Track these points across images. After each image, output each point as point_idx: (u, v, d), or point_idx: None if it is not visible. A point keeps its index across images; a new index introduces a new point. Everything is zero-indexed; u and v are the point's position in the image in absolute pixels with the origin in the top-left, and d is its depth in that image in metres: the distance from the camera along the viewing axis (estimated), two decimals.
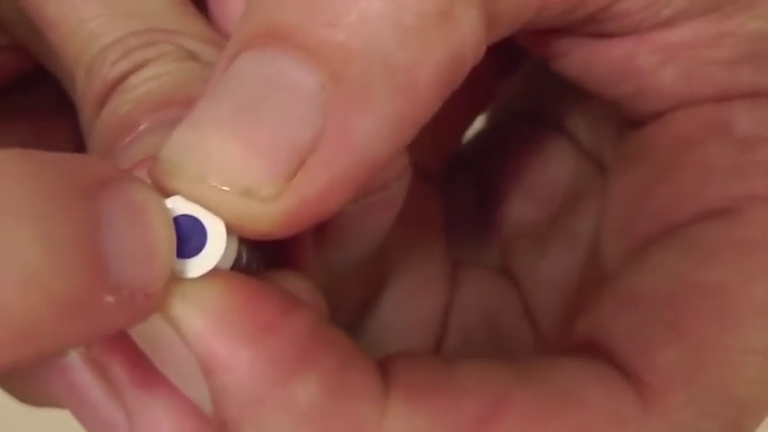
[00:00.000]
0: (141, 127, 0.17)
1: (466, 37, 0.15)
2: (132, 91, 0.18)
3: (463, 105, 0.22)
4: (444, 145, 0.24)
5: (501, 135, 0.25)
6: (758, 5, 0.17)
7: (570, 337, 0.18)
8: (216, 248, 0.15)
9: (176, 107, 0.17)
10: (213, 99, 0.15)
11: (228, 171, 0.14)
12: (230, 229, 0.15)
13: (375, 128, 0.15)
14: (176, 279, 0.15)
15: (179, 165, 0.15)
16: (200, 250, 0.15)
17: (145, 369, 0.16)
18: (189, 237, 0.15)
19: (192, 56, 0.18)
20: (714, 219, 0.17)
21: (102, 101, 0.18)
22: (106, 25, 0.19)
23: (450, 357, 0.17)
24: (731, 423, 0.16)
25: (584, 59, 0.19)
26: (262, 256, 0.16)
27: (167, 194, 0.15)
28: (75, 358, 0.17)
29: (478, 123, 0.25)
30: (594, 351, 0.17)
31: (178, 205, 0.15)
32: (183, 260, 0.15)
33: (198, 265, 0.15)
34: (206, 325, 0.14)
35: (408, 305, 0.22)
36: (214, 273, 0.15)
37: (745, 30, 0.18)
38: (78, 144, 0.25)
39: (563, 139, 0.23)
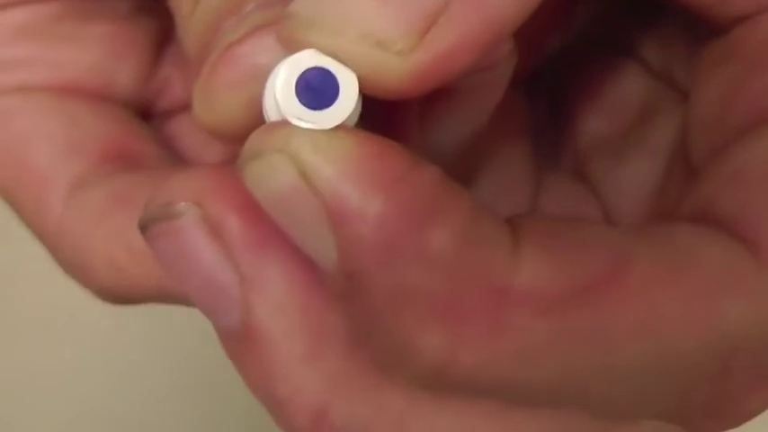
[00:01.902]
0: (248, 7, 0.17)
1: None
2: None
3: (547, 14, 0.22)
4: (530, 53, 0.24)
5: (572, 59, 0.25)
6: None
7: (678, 213, 0.18)
8: (348, 101, 0.15)
9: None
10: None
11: (364, 24, 0.15)
12: (360, 86, 0.15)
13: None
14: (307, 130, 0.15)
15: (314, 18, 0.15)
16: (332, 103, 0.15)
17: (259, 228, 0.17)
18: (321, 89, 0.15)
19: None
20: None
21: None
22: None
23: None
24: None
25: None
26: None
27: (298, 49, 0.15)
28: (188, 219, 0.17)
29: None
30: (705, 221, 0.17)
31: (312, 58, 0.15)
32: (315, 111, 0.15)
33: (330, 117, 0.15)
34: (338, 172, 0.15)
35: (496, 204, 0.22)
36: (344, 126, 0.15)
37: None
38: (156, 45, 0.25)
39: (633, 62, 0.23)
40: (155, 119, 0.25)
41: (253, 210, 0.16)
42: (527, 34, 0.20)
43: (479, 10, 0.15)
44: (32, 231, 0.23)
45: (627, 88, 0.23)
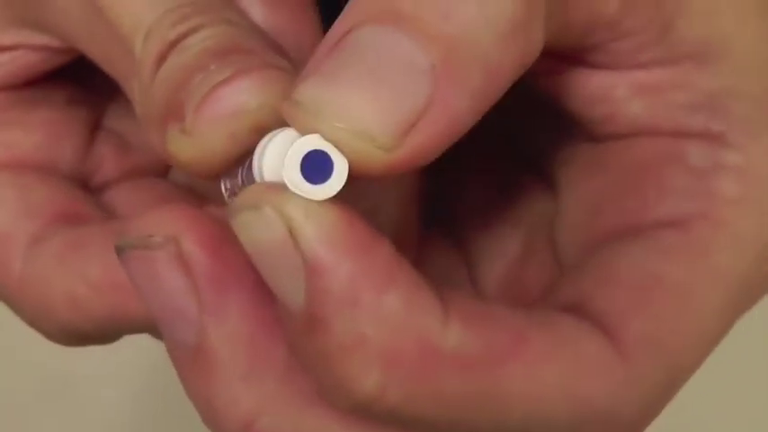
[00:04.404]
0: (211, 68, 0.21)
1: (536, 43, 0.19)
2: (191, 48, 0.21)
3: None
4: None
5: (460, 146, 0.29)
6: (712, 64, 0.21)
7: (554, 301, 0.22)
8: (339, 182, 0.18)
9: (240, 55, 0.21)
10: (344, 61, 0.18)
11: (361, 122, 0.18)
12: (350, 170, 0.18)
13: (467, 103, 0.18)
14: (302, 198, 0.18)
15: (320, 108, 0.18)
16: (326, 180, 0.18)
17: (225, 268, 0.20)
18: (319, 168, 0.18)
19: (232, 22, 0.22)
20: (670, 227, 0.21)
21: (162, 59, 0.21)
22: None
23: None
24: (675, 379, 0.21)
25: (570, 82, 0.22)
26: None
27: (304, 131, 0.18)
28: (164, 252, 0.20)
29: None
30: (579, 313, 0.21)
31: (317, 142, 0.18)
32: (311, 185, 0.18)
33: (322, 192, 0.18)
34: (321, 235, 0.18)
35: None
36: (332, 200, 0.18)
37: (701, 83, 0.21)
38: (90, 129, 0.29)
39: (508, 151, 0.27)
40: (92, 192, 0.28)
41: (221, 251, 0.20)
42: None
43: (447, 119, 0.18)
44: None
45: (499, 170, 0.27)
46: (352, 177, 0.19)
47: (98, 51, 0.24)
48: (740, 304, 0.22)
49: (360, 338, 0.18)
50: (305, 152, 0.18)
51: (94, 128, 0.29)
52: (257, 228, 0.19)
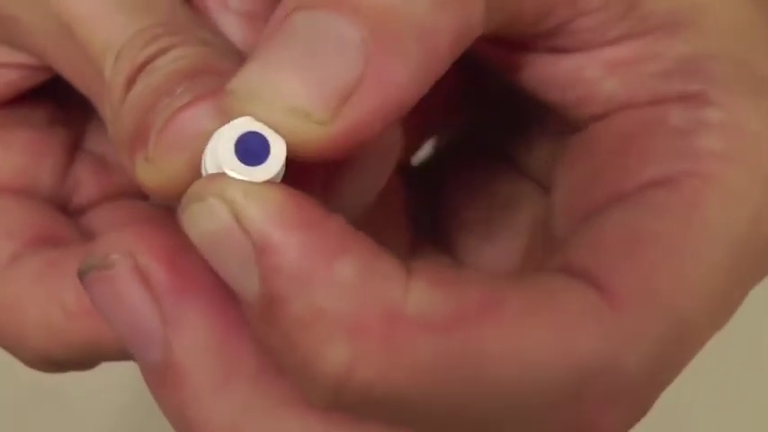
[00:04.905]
0: (178, 91, 0.20)
1: (476, 14, 0.19)
2: (161, 69, 0.21)
3: (431, 107, 0.26)
4: (410, 144, 0.28)
5: (454, 154, 0.28)
6: (683, 31, 0.21)
7: (543, 266, 0.21)
8: (277, 161, 0.18)
9: (209, 75, 0.21)
10: (277, 45, 0.18)
11: (292, 99, 0.18)
12: (288, 149, 0.18)
13: (404, 74, 0.18)
14: (241, 181, 0.18)
15: (251, 92, 0.18)
16: (263, 161, 0.18)
17: (182, 277, 0.20)
18: (255, 150, 0.18)
19: (206, 42, 0.22)
20: (657, 187, 0.21)
21: (131, 81, 0.21)
22: (133, 17, 0.22)
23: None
24: (681, 335, 0.20)
25: (538, 70, 0.22)
26: None
27: (238, 117, 0.18)
28: (121, 269, 0.20)
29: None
30: (567, 272, 0.20)
31: (249, 124, 0.18)
32: (249, 167, 0.18)
33: (261, 173, 0.18)
34: (265, 214, 0.18)
35: None
36: (271, 180, 0.18)
37: (674, 51, 0.21)
38: (69, 150, 0.28)
39: (503, 160, 0.27)
40: (72, 214, 0.28)
41: (177, 262, 0.20)
42: (406, 128, 0.24)
43: (382, 90, 0.18)
44: None
45: (495, 182, 0.27)
46: (295, 157, 0.18)
47: (71, 71, 0.24)
48: (743, 266, 0.20)
49: (318, 312, 0.18)
50: (238, 134, 0.18)
51: (73, 149, 0.28)
52: (203, 219, 0.18)
